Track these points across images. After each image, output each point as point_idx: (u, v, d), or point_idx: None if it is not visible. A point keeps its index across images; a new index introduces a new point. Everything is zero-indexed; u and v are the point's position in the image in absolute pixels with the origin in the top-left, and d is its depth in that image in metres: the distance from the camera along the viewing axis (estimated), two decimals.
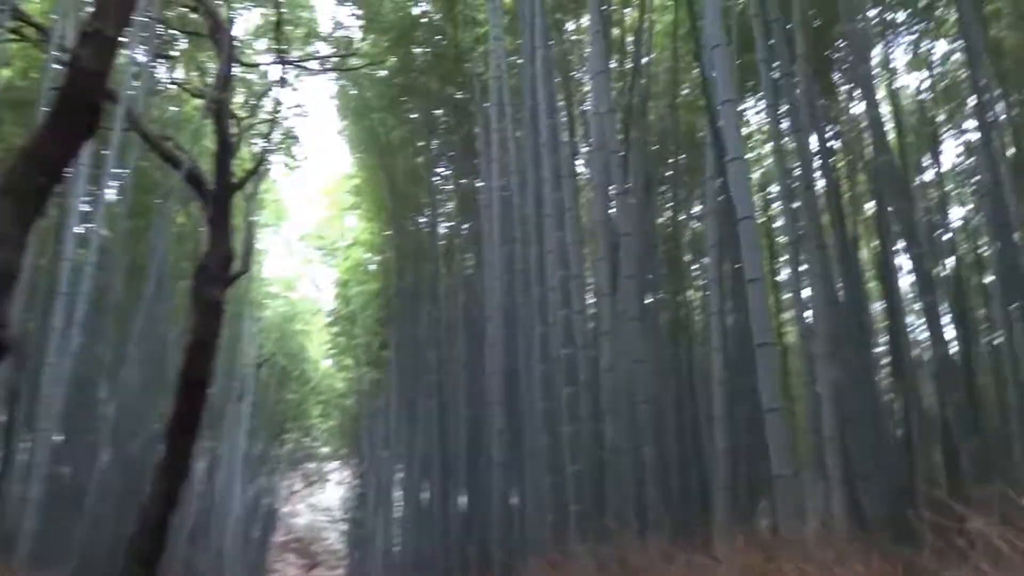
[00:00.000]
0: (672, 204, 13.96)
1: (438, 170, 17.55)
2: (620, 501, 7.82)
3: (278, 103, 9.35)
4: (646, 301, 10.62)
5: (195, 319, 8.35)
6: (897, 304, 10.78)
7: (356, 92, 15.72)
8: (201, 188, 9.41)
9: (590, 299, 10.04)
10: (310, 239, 23.01)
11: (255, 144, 14.22)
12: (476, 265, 15.14)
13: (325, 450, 35.98)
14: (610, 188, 9.55)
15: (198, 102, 10.54)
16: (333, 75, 14.46)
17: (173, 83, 12.80)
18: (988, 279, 11.70)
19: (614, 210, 9.45)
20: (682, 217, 14.17)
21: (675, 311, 13.30)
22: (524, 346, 10.62)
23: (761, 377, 6.01)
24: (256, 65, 11.60)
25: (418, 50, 14.81)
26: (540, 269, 10.18)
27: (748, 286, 6.35)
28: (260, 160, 9.17)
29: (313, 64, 12.18)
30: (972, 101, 10.12)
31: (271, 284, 25.34)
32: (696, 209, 13.75)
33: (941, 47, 12.81)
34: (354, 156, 18.26)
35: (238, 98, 13.46)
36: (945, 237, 12.08)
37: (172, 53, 12.58)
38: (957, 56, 11.94)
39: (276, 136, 12.96)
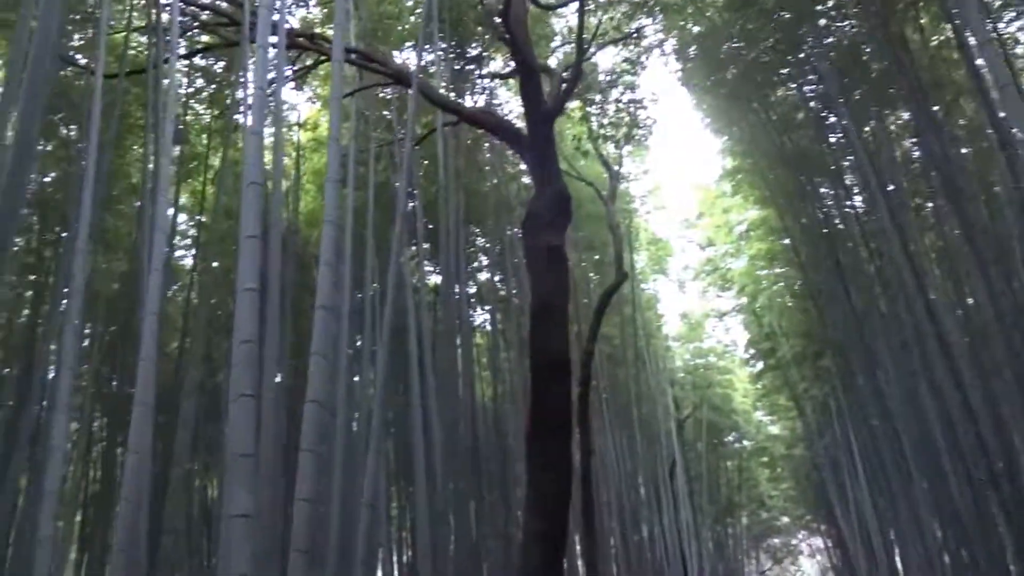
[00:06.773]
0: None
1: (829, 117, 13.58)
2: None
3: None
4: None
5: (534, 278, 6.06)
6: None
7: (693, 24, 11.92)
8: (513, 134, 7.32)
9: None
10: (699, 266, 19.90)
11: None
12: None
13: (785, 520, 31.00)
14: None
15: None
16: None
17: None
18: None
19: None
20: None
21: None
22: None
23: None
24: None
25: None
26: None
27: None
28: (575, 76, 6.80)
29: None
30: None
31: (672, 335, 22.70)
32: None
33: None
34: (711, 122, 14.73)
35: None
36: None
37: None
38: None
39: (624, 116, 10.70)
